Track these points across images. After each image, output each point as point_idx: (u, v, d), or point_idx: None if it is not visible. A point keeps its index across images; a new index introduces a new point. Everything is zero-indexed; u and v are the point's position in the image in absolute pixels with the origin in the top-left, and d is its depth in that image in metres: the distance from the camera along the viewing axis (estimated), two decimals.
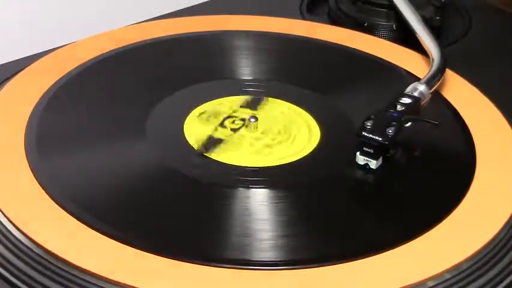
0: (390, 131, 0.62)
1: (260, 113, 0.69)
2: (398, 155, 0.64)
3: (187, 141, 0.65)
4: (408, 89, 0.68)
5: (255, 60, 0.78)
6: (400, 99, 0.66)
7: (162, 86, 0.72)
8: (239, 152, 0.65)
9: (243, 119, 0.68)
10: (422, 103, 0.67)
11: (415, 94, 0.67)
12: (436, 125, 0.65)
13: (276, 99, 0.71)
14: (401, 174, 0.64)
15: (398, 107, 0.65)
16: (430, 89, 0.69)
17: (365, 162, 0.62)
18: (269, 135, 0.67)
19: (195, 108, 0.69)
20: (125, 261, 0.53)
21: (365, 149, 0.62)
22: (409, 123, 0.64)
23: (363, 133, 0.62)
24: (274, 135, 0.67)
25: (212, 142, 0.65)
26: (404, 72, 0.75)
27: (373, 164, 0.62)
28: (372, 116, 0.63)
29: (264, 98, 0.71)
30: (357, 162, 0.63)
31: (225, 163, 0.63)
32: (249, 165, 0.63)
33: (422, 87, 0.68)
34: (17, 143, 0.63)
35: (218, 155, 0.64)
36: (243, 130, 0.67)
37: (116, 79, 0.73)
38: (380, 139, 0.62)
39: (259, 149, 0.65)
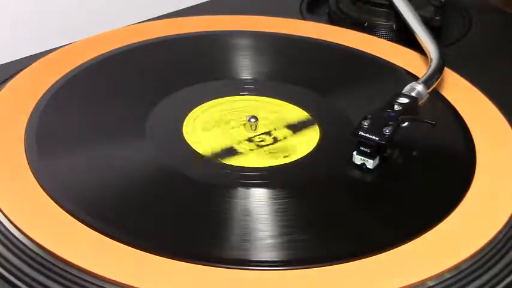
0: (387, 131, 0.62)
1: (260, 113, 0.69)
2: (397, 155, 0.64)
3: (187, 142, 0.65)
4: (406, 89, 0.68)
5: (254, 60, 0.78)
6: (398, 99, 0.66)
7: (162, 86, 0.72)
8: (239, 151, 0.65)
9: (267, 133, 0.67)
10: (420, 103, 0.67)
11: (413, 94, 0.67)
12: (433, 125, 0.65)
13: (276, 99, 0.71)
14: (401, 174, 0.63)
15: (396, 107, 0.65)
16: (428, 88, 0.69)
17: (362, 162, 0.62)
18: (268, 135, 0.67)
19: (195, 108, 0.69)
20: (124, 261, 0.53)
21: (362, 148, 0.62)
22: (406, 123, 0.64)
23: (360, 133, 0.62)
24: (274, 135, 0.67)
25: (230, 152, 0.65)
26: (404, 72, 0.75)
27: (370, 163, 0.62)
28: (369, 116, 0.63)
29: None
30: (353, 162, 0.63)
31: (225, 163, 0.63)
32: (249, 165, 0.63)
33: (419, 87, 0.68)
34: (17, 143, 0.63)
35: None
36: (242, 130, 0.67)
37: (116, 79, 0.73)
38: (377, 139, 0.62)
39: (259, 149, 0.65)
